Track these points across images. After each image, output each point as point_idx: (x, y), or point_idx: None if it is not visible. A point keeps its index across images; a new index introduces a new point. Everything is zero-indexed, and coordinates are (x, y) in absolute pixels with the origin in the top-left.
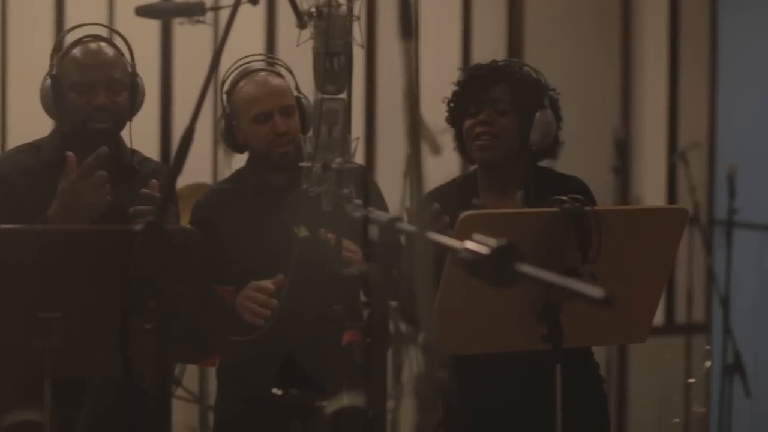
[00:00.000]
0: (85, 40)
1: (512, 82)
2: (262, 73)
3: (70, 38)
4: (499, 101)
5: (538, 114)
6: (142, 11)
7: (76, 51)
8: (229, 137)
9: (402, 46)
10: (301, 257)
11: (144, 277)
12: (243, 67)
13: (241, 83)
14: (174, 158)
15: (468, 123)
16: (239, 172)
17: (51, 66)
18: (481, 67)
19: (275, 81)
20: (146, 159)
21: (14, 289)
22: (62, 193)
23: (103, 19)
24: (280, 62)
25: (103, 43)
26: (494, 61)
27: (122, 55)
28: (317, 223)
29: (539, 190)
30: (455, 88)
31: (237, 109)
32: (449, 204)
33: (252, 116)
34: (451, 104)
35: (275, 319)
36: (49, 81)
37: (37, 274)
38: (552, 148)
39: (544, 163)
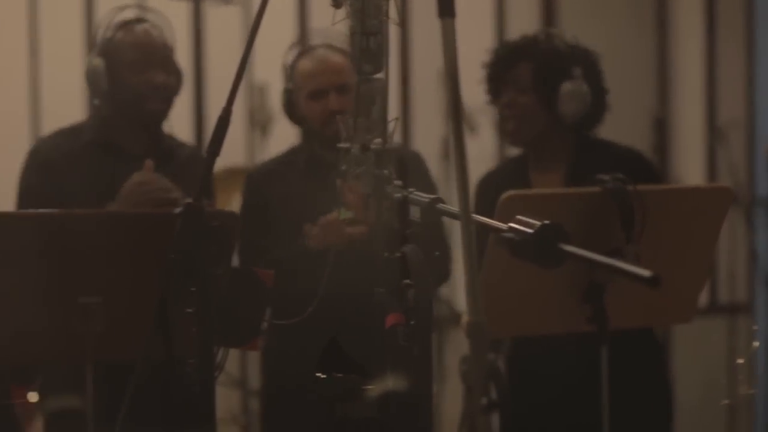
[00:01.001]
0: (131, 21)
1: (535, 58)
2: (324, 50)
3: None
4: (521, 80)
5: (563, 85)
6: None
7: (125, 32)
8: (290, 110)
9: (441, 24)
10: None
11: (184, 261)
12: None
13: (303, 58)
14: (211, 140)
15: (498, 105)
16: (293, 149)
17: (94, 47)
18: (504, 46)
19: (335, 58)
20: (183, 143)
21: (55, 274)
22: (124, 195)
23: (133, 1)
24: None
25: (148, 25)
26: (522, 37)
27: (167, 38)
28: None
29: (591, 163)
30: (485, 69)
31: (296, 84)
32: (502, 186)
33: (307, 92)
34: (487, 85)
35: (318, 303)
36: (98, 60)
37: (77, 258)
38: (593, 116)
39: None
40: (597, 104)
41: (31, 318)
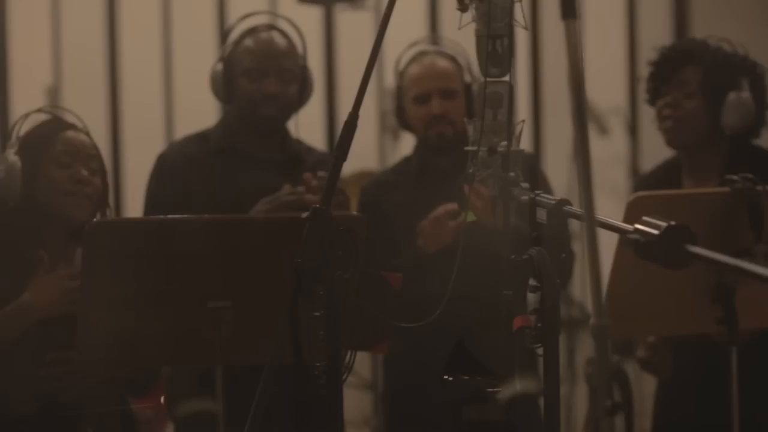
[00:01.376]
0: (258, 28)
1: (704, 62)
2: (432, 55)
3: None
4: (688, 83)
5: (730, 95)
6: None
7: (249, 39)
8: (399, 116)
9: (564, 26)
10: (469, 242)
11: (312, 264)
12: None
13: (411, 64)
14: (338, 145)
15: (659, 104)
16: (406, 158)
17: (222, 53)
18: (674, 47)
19: (440, 63)
20: (311, 149)
21: (184, 278)
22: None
23: (265, 7)
24: (450, 46)
25: (275, 32)
26: (691, 40)
27: (294, 46)
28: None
29: (753, 174)
30: (649, 68)
31: (403, 89)
32: (656, 188)
33: (413, 97)
34: (648, 84)
35: (444, 305)
36: (220, 66)
37: (207, 263)
38: (752, 130)
39: None
40: (758, 119)
41: (162, 322)
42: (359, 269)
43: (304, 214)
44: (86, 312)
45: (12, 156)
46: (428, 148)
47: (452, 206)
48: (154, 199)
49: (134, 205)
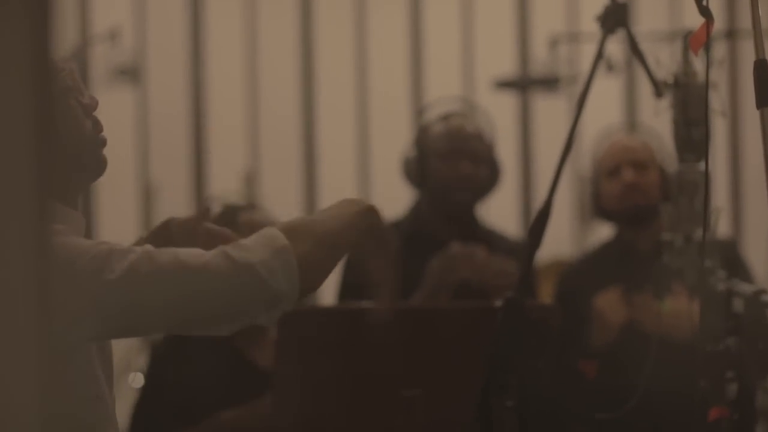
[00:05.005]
0: (450, 114)
1: None
2: (623, 135)
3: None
4: None
5: None
6: (502, 84)
7: (441, 124)
8: (595, 203)
9: (760, 114)
10: (663, 331)
11: (504, 354)
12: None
13: (602, 145)
14: (530, 232)
15: None
16: (605, 244)
17: (414, 138)
18: None
19: (631, 139)
20: (503, 237)
21: (376, 366)
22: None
23: (461, 91)
24: (646, 131)
25: (465, 118)
26: None
27: (483, 130)
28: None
29: None
30: None
31: (597, 172)
32: None
33: (604, 172)
34: None
35: (638, 395)
36: (413, 150)
37: (398, 350)
38: None
39: None
40: None
41: (355, 410)
42: (553, 359)
43: (497, 303)
44: (279, 399)
45: None
46: (624, 223)
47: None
48: (346, 285)
49: (329, 291)
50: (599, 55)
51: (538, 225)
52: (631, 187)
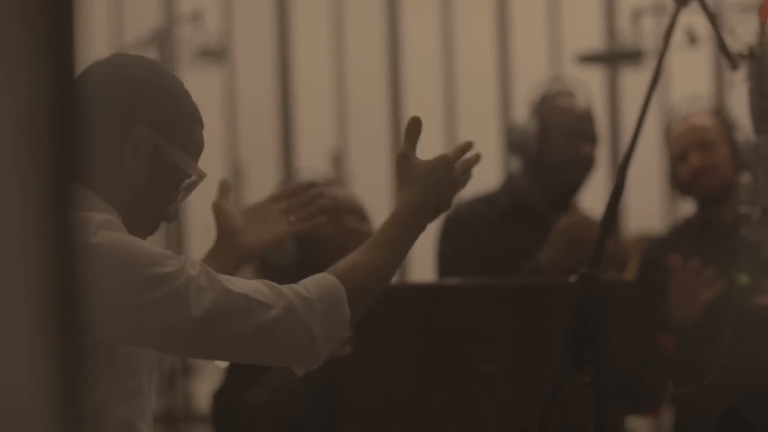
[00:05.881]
0: (564, 92)
1: None
2: (691, 114)
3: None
4: None
5: None
6: (586, 58)
7: (564, 100)
8: (674, 180)
9: None
10: (742, 306)
11: (580, 329)
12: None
13: (672, 126)
14: (607, 206)
15: None
16: (687, 219)
17: (529, 112)
18: None
19: (696, 120)
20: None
21: (458, 343)
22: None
23: (547, 65)
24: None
25: (580, 97)
26: None
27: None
28: (759, 270)
29: None
30: None
31: (668, 156)
32: None
33: (674, 158)
34: None
35: (716, 371)
36: (534, 123)
37: (479, 327)
38: None
39: None
40: None
41: (434, 387)
42: (629, 334)
43: (573, 279)
44: (357, 376)
45: None
46: (700, 205)
47: None
48: (447, 259)
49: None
50: (671, 27)
51: (612, 200)
52: (698, 171)
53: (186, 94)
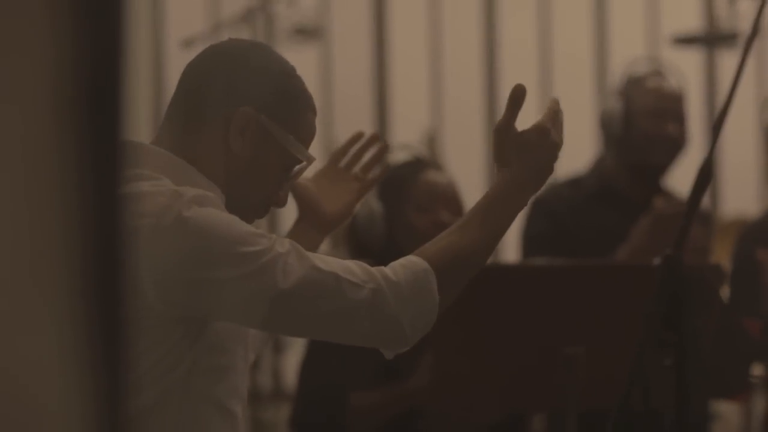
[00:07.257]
0: (653, 72)
1: None
2: None
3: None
4: None
5: None
6: (682, 40)
7: (652, 80)
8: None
9: None
10: None
11: (663, 312)
12: None
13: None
14: (692, 191)
15: None
16: None
17: (616, 93)
18: None
19: None
20: (679, 201)
21: (539, 323)
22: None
23: (643, 47)
24: None
25: (668, 77)
26: None
27: (684, 91)
28: None
29: None
30: None
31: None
32: None
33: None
34: None
35: None
36: (618, 105)
37: (563, 309)
38: None
39: None
40: None
41: (517, 368)
42: (714, 318)
43: (656, 261)
44: (439, 355)
45: (374, 200)
46: None
47: None
48: (533, 242)
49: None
50: (761, 9)
51: (699, 183)
52: None
53: (299, 80)
